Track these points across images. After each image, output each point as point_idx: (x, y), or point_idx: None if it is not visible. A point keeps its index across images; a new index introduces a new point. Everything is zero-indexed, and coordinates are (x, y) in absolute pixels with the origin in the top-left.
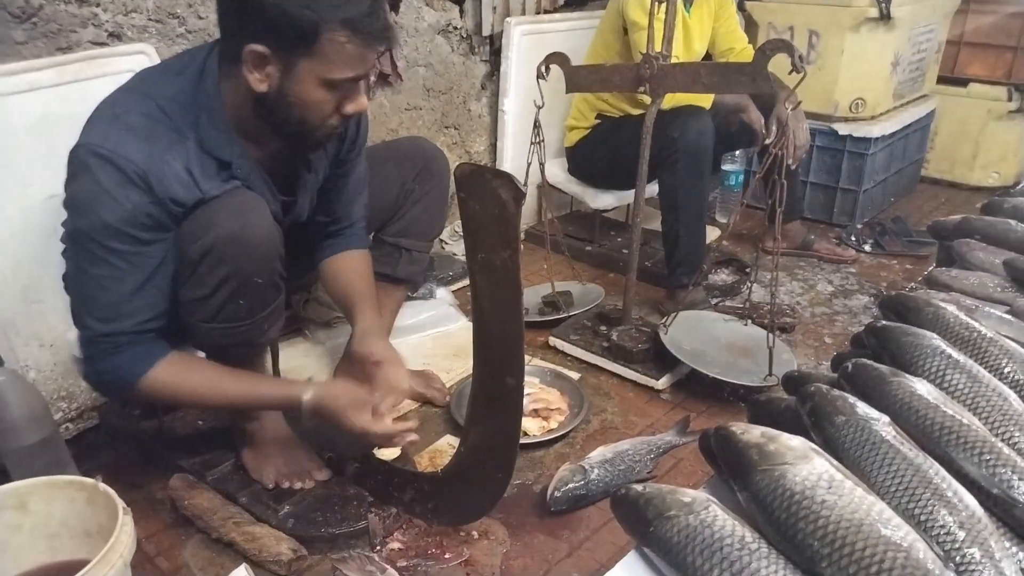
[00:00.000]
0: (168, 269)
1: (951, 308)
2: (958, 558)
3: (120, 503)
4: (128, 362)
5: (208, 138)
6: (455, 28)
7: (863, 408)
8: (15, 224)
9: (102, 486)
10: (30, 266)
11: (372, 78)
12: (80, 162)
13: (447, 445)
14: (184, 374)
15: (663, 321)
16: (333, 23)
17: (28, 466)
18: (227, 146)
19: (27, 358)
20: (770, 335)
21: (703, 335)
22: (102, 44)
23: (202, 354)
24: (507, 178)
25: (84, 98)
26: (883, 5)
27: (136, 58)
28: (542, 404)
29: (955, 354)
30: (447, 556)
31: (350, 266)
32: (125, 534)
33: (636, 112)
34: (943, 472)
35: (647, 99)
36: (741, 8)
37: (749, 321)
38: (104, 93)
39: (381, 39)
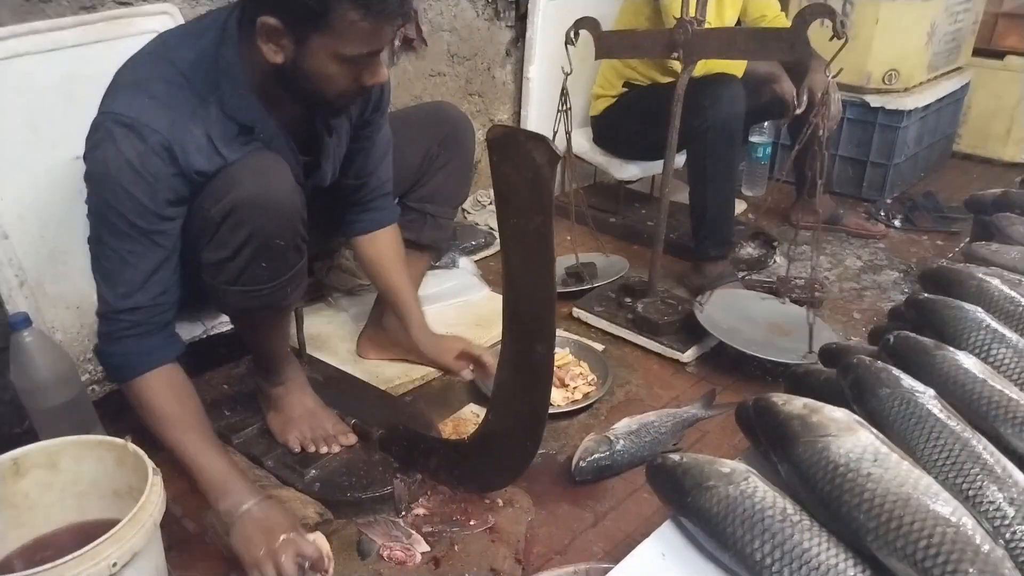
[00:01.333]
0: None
1: (995, 281)
2: (1007, 534)
3: (150, 464)
4: (135, 355)
5: (230, 102)
6: None
7: (908, 381)
8: (41, 185)
9: (132, 446)
10: (56, 228)
11: (396, 42)
12: (104, 130)
13: (471, 413)
14: (163, 393)
15: (698, 299)
16: (346, 1)
17: (56, 426)
18: (248, 110)
19: (54, 319)
20: (809, 312)
21: (739, 312)
22: (126, 4)
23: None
24: (542, 140)
25: (108, 58)
26: None
27: (160, 18)
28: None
29: (1001, 328)
30: (472, 523)
31: (387, 247)
32: (155, 494)
33: (665, 80)
34: (991, 447)
35: (678, 66)
36: None
37: (786, 299)
38: (128, 53)
39: (396, 14)
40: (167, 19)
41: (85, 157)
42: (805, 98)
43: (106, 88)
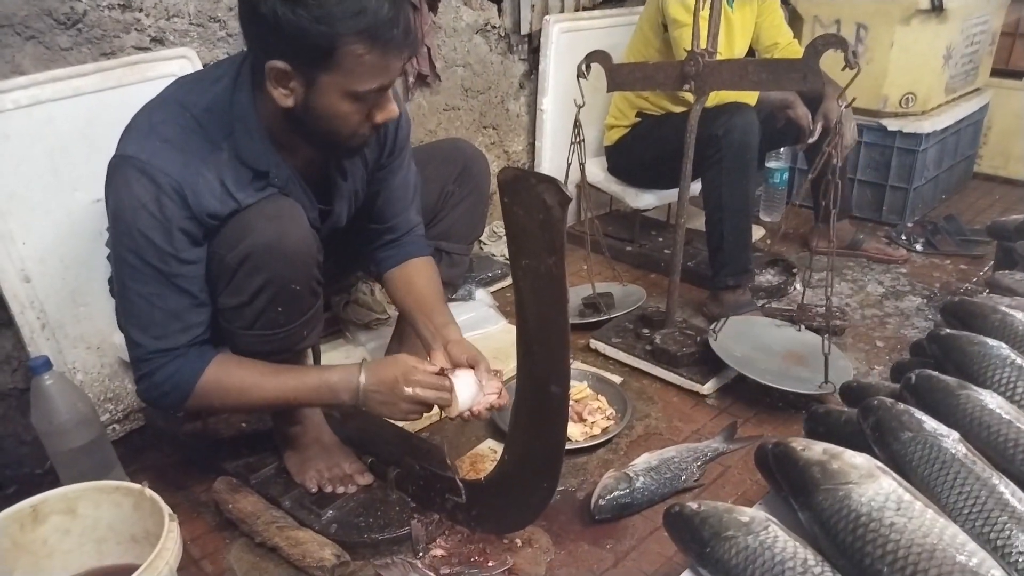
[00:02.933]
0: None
1: (1020, 315)
2: None
3: (167, 509)
4: (179, 372)
5: (244, 148)
6: (493, 27)
7: (931, 423)
8: (62, 228)
9: (148, 492)
10: (77, 269)
11: (411, 79)
12: (118, 173)
13: (488, 450)
14: (235, 371)
15: (712, 327)
16: (349, 36)
17: (77, 467)
18: (263, 156)
19: (74, 360)
20: (825, 341)
21: (754, 341)
22: (145, 49)
23: None
24: (552, 183)
25: (127, 103)
26: None
27: (178, 62)
28: (580, 398)
29: None
30: (490, 564)
31: (418, 273)
32: (171, 540)
33: (678, 110)
34: (1020, 492)
35: (690, 97)
36: (786, 2)
37: (802, 327)
38: (147, 97)
39: (403, 46)
40: (185, 63)
41: (105, 199)
42: (820, 125)
43: (122, 132)
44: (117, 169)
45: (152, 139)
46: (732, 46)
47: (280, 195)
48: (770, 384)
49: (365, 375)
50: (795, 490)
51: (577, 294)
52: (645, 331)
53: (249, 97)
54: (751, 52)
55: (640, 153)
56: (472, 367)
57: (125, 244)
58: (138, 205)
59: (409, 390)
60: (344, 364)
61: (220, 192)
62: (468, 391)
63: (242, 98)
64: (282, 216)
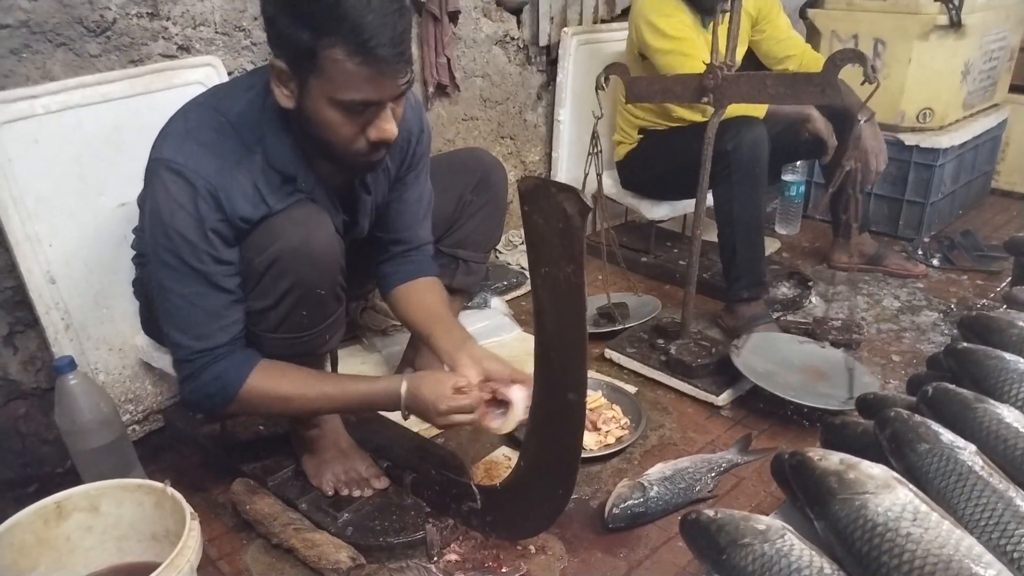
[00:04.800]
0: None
1: None
2: None
3: (188, 508)
4: (224, 374)
5: (274, 153)
6: (512, 39)
7: (948, 436)
8: (87, 231)
9: (170, 490)
10: (101, 272)
11: (431, 89)
12: (155, 176)
13: (503, 457)
14: (280, 379)
15: (735, 342)
16: (329, 39)
17: (98, 467)
18: (291, 161)
19: (97, 361)
20: (849, 357)
21: (776, 356)
22: (171, 57)
23: None
24: (572, 192)
25: (154, 109)
26: (953, 12)
27: (204, 70)
28: (595, 407)
29: None
30: (504, 570)
31: (426, 290)
32: (192, 539)
33: (677, 126)
34: None
35: (686, 114)
36: (803, 16)
37: (826, 344)
38: (173, 104)
39: (391, 62)
40: (211, 71)
41: (141, 201)
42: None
43: (157, 135)
44: (154, 172)
45: (188, 143)
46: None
47: (308, 201)
48: (794, 400)
49: (406, 392)
50: (811, 499)
51: (592, 304)
52: (660, 341)
53: (279, 106)
54: (759, 67)
55: (649, 168)
56: (519, 381)
57: (163, 245)
58: (176, 207)
59: (445, 417)
60: (387, 377)
61: (253, 196)
62: (522, 406)
63: (273, 106)
64: (309, 221)
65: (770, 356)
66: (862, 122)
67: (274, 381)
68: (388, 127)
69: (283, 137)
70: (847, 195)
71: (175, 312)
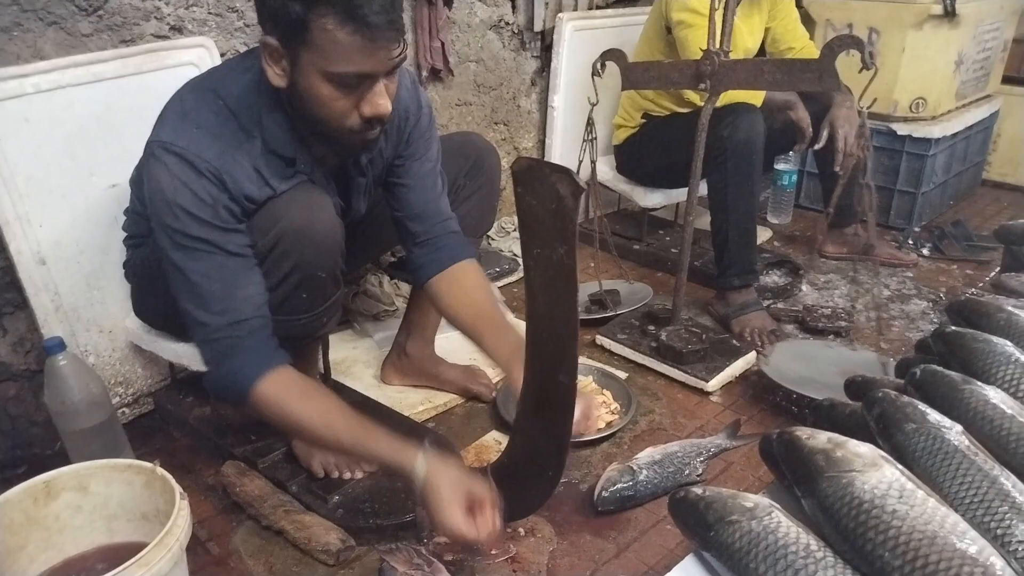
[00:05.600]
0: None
1: None
2: None
3: (177, 488)
4: (246, 364)
5: (272, 135)
6: (507, 24)
7: (935, 416)
8: (78, 212)
9: (160, 470)
10: (92, 254)
11: (424, 73)
12: (154, 159)
13: (493, 441)
14: (297, 399)
15: (763, 351)
16: (322, 8)
17: (87, 448)
18: (290, 142)
19: (87, 343)
20: (883, 356)
21: (809, 363)
22: (164, 37)
23: None
24: (566, 172)
25: (146, 90)
26: (947, 2)
27: (196, 51)
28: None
29: None
30: (494, 552)
31: (468, 282)
32: (182, 519)
33: (683, 111)
34: (1020, 484)
35: (694, 98)
36: (799, 5)
37: (856, 346)
38: (165, 85)
39: (383, 30)
40: (203, 52)
41: (141, 186)
42: (826, 132)
43: (156, 118)
44: (154, 155)
45: (188, 126)
46: (737, 51)
47: (309, 183)
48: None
49: (424, 480)
50: (799, 478)
51: (584, 291)
52: (651, 328)
53: (274, 87)
54: (763, 55)
55: (648, 153)
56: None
57: (171, 225)
58: (179, 184)
59: (447, 527)
60: (408, 451)
61: (257, 178)
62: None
63: (269, 88)
64: (312, 203)
65: (801, 362)
66: (865, 109)
67: (290, 398)
68: (382, 102)
69: (280, 119)
70: (859, 185)
71: (193, 290)
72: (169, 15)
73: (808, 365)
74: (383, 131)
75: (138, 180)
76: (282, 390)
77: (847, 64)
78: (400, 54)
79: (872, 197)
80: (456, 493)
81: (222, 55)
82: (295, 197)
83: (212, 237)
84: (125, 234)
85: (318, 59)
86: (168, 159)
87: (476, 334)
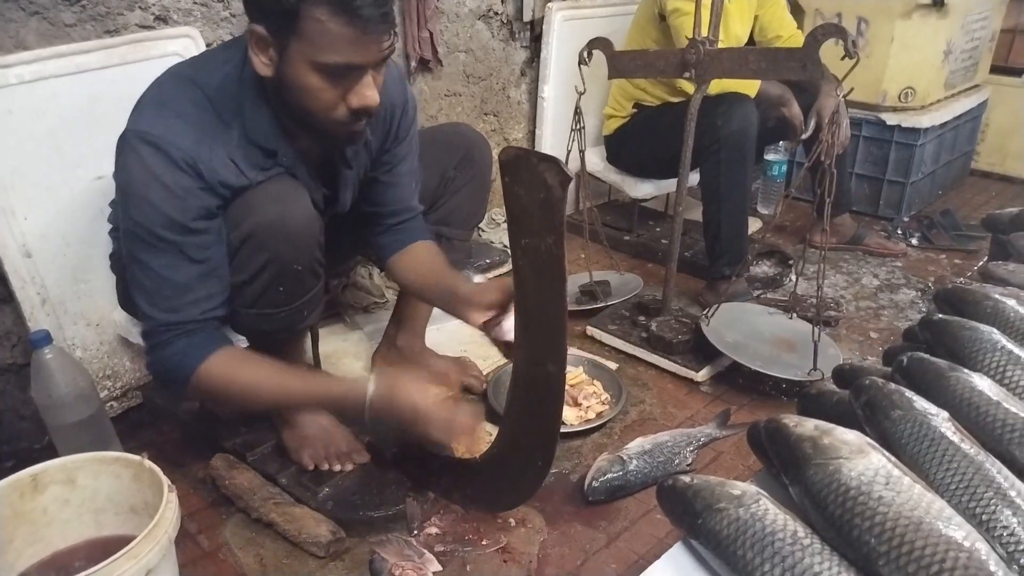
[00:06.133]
0: (224, 255)
1: (1012, 302)
2: (1022, 560)
3: (166, 480)
4: (186, 349)
5: (253, 126)
6: (496, 14)
7: (921, 403)
8: (64, 204)
9: (148, 463)
10: (78, 246)
11: (413, 63)
12: (129, 148)
13: (484, 432)
14: (241, 367)
15: (704, 312)
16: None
17: (75, 442)
18: (271, 135)
19: (74, 336)
20: (815, 329)
21: (746, 327)
22: (148, 27)
23: (244, 341)
24: (553, 162)
25: (131, 80)
26: None
27: (181, 41)
28: (576, 383)
29: (1016, 349)
30: (484, 542)
31: (424, 252)
32: (170, 511)
33: (675, 100)
34: (1005, 471)
35: (687, 87)
36: None
37: (794, 314)
38: (150, 76)
39: (374, 23)
40: (188, 42)
41: (115, 174)
42: (813, 122)
43: (133, 106)
44: (128, 144)
45: (165, 114)
46: (728, 37)
47: (286, 176)
48: (759, 370)
49: (372, 398)
50: (786, 465)
51: (574, 282)
52: (641, 319)
53: (258, 79)
54: (752, 43)
55: (639, 143)
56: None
57: (136, 219)
58: (151, 178)
59: (420, 428)
60: (350, 380)
61: (233, 168)
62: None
63: (251, 76)
64: (285, 196)
65: (740, 327)
66: (841, 96)
67: (234, 368)
68: (370, 94)
69: (263, 110)
70: (821, 170)
71: (146, 284)
72: (154, 5)
73: (746, 331)
74: (369, 124)
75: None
76: (225, 363)
77: (832, 53)
78: (390, 46)
79: (833, 181)
80: (415, 384)
81: (208, 45)
82: (268, 190)
83: (176, 239)
84: (111, 226)
85: (307, 49)
86: (143, 149)
87: (423, 287)
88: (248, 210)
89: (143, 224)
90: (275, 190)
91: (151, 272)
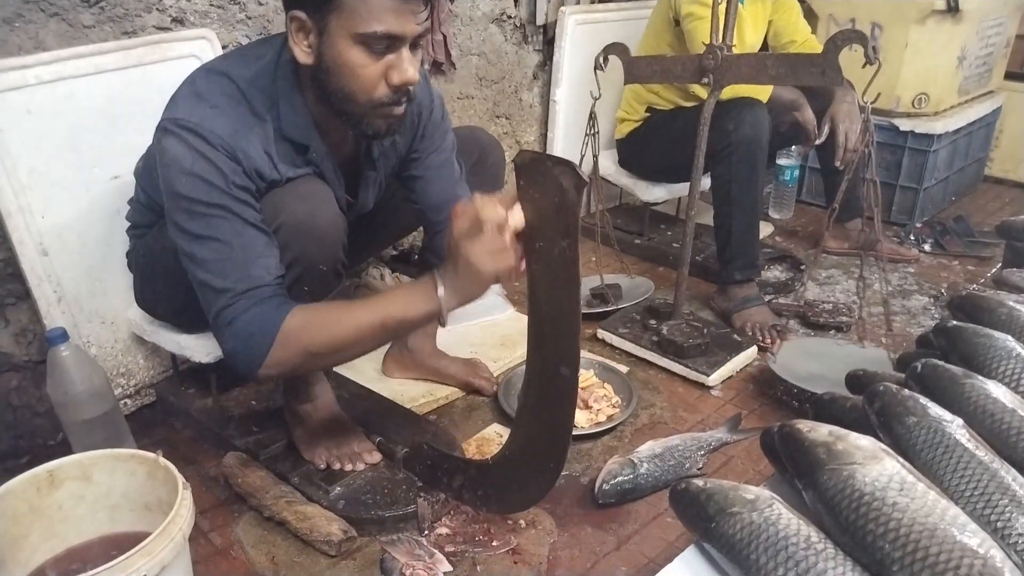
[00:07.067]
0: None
1: None
2: None
3: (180, 478)
4: (265, 313)
5: (287, 121)
6: (509, 17)
7: (936, 409)
8: (81, 204)
9: (163, 460)
10: (94, 245)
11: (427, 66)
12: (169, 134)
13: (494, 434)
14: (323, 313)
15: (771, 350)
16: None
17: (89, 439)
18: (304, 129)
19: (89, 334)
20: (894, 359)
21: (817, 360)
22: (165, 29)
23: None
24: (569, 166)
25: (147, 81)
26: None
27: (198, 43)
28: (587, 386)
29: None
30: (495, 544)
31: None
32: (185, 508)
33: (688, 104)
34: (1021, 478)
35: (700, 92)
36: (801, 0)
37: (865, 343)
38: (167, 77)
39: None
40: (205, 44)
41: (146, 175)
42: (827, 127)
43: (167, 102)
44: (167, 131)
45: (201, 105)
46: (743, 42)
47: (314, 176)
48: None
49: (447, 296)
50: (800, 470)
51: (585, 285)
52: (652, 322)
53: (292, 73)
54: (765, 49)
55: (651, 147)
56: None
57: (188, 194)
58: (196, 155)
59: (495, 257)
60: (420, 290)
61: (267, 161)
62: None
63: (285, 73)
64: (314, 196)
65: (810, 360)
66: (868, 104)
67: (317, 317)
68: (409, 69)
69: (296, 104)
70: (861, 181)
71: (209, 259)
72: (171, 7)
73: (817, 362)
74: (408, 105)
75: (144, 170)
76: (304, 317)
77: (849, 59)
78: (427, 20)
79: (877, 193)
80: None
81: (224, 47)
82: (298, 189)
83: (230, 204)
84: (128, 224)
85: (348, 22)
86: (183, 133)
87: None
88: (277, 208)
89: (196, 198)
90: (304, 190)
91: (213, 243)
